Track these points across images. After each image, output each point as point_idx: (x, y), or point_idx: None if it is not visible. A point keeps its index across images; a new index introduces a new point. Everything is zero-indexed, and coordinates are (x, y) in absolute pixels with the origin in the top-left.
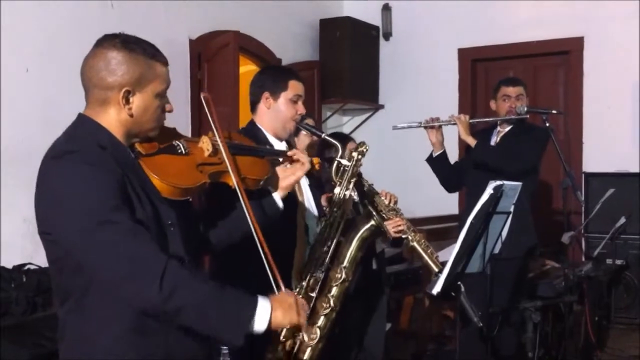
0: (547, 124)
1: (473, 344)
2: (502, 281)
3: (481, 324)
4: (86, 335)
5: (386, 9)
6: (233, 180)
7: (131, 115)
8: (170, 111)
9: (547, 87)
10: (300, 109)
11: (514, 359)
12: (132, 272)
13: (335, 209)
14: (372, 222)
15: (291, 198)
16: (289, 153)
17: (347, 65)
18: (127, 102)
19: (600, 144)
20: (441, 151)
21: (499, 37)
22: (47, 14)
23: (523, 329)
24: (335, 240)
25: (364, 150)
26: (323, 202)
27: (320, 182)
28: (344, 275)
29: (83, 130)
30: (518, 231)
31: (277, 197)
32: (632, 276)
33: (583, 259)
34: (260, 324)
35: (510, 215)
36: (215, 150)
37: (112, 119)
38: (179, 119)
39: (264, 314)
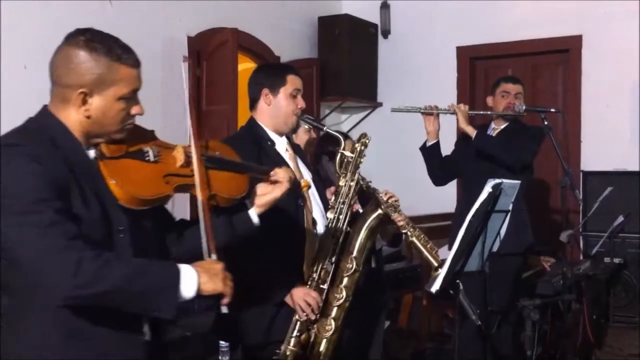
0: (546, 123)
1: (472, 342)
2: (501, 279)
3: (480, 322)
4: (19, 333)
5: (385, 6)
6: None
7: (88, 117)
8: (139, 114)
9: (545, 85)
10: (301, 102)
11: (513, 357)
12: (47, 264)
13: (341, 201)
14: (380, 211)
15: (296, 193)
16: (271, 173)
17: (345, 63)
18: (84, 103)
19: (599, 143)
20: (435, 141)
21: (498, 36)
22: (45, 11)
23: (522, 327)
24: (343, 231)
25: (367, 141)
26: (328, 195)
27: (319, 178)
28: (354, 265)
29: (40, 124)
30: (514, 229)
31: (253, 213)
32: (630, 275)
33: (581, 257)
34: (187, 290)
35: (509, 214)
36: (189, 162)
37: (72, 118)
38: (177, 117)
39: (189, 280)
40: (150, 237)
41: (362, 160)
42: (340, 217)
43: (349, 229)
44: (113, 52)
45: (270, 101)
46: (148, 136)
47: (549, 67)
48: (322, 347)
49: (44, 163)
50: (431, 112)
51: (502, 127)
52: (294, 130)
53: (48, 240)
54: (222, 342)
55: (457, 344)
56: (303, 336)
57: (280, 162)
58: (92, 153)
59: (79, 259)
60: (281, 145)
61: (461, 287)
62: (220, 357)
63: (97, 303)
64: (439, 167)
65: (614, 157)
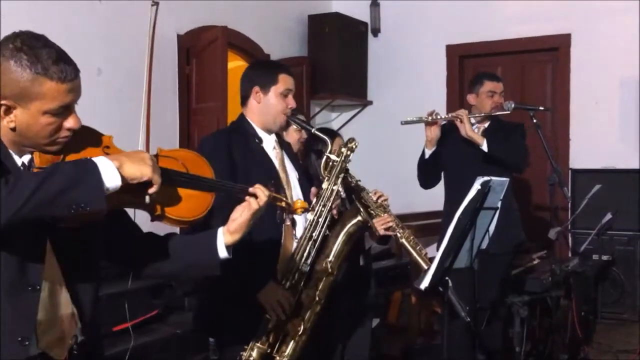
0: (535, 121)
1: (460, 339)
2: (490, 276)
3: (469, 319)
4: None
5: (374, 4)
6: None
7: (13, 129)
8: (73, 128)
9: (534, 83)
10: (291, 102)
11: (501, 354)
12: None
13: (322, 204)
14: (359, 218)
15: (278, 192)
16: (250, 190)
17: (335, 61)
18: (7, 114)
19: (587, 141)
20: (434, 149)
21: (487, 34)
22: (34, 11)
23: (510, 323)
24: (321, 235)
25: (353, 146)
26: (312, 197)
27: (309, 176)
28: (329, 269)
29: None
30: (505, 227)
31: (221, 244)
32: (618, 272)
33: (570, 254)
34: (111, 179)
35: (498, 211)
36: None
37: (2, 126)
38: (167, 116)
39: (108, 167)
40: (85, 248)
41: (346, 165)
42: (320, 219)
43: (327, 232)
44: (38, 65)
45: (261, 99)
46: (94, 143)
47: (538, 65)
48: (289, 348)
49: None
50: (435, 121)
51: (486, 125)
52: (284, 128)
53: None
54: (210, 340)
55: (446, 340)
56: (272, 335)
57: (266, 160)
58: (26, 159)
59: None
60: (269, 144)
61: (450, 284)
62: (210, 355)
63: (27, 220)
64: (435, 172)
65: (602, 154)
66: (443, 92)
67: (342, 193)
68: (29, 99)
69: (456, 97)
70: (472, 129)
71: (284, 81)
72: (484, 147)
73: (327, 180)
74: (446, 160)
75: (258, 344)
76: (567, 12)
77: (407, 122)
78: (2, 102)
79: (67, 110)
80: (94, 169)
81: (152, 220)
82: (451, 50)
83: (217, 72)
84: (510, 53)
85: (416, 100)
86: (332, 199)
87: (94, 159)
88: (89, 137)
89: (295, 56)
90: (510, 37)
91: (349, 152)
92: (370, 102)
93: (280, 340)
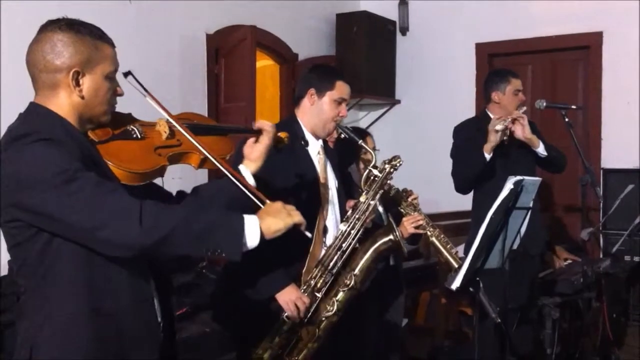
0: (566, 120)
1: (491, 340)
2: (521, 277)
3: (499, 320)
4: (43, 314)
5: (403, 3)
6: (198, 159)
7: (82, 97)
8: (120, 94)
9: (565, 82)
10: (343, 111)
11: (532, 356)
12: (106, 217)
13: (357, 217)
14: (391, 237)
15: (315, 197)
16: (258, 124)
17: (363, 60)
18: (77, 83)
19: (619, 140)
20: (491, 154)
21: (517, 32)
22: (64, 11)
23: (541, 325)
24: (351, 246)
25: (397, 164)
26: (348, 208)
27: (348, 185)
28: (352, 283)
29: (35, 115)
30: (530, 228)
31: (248, 175)
32: None
33: (601, 255)
34: (252, 237)
35: (530, 211)
36: (173, 133)
37: (64, 103)
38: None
39: (253, 226)
40: None
41: (388, 181)
42: (352, 231)
43: (357, 245)
44: (94, 32)
45: (314, 102)
46: (128, 118)
47: (569, 64)
48: (301, 354)
49: (63, 144)
50: (507, 126)
51: None
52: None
53: (103, 197)
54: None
55: (476, 341)
56: (285, 337)
57: (308, 164)
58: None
59: (141, 205)
60: (314, 148)
61: (481, 284)
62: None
63: (160, 249)
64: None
65: (634, 154)
66: (472, 91)
67: (380, 208)
68: (95, 63)
69: None
70: (530, 132)
71: (340, 89)
72: (541, 150)
73: (366, 194)
74: None
75: (270, 344)
76: (598, 10)
77: (497, 130)
78: (74, 69)
79: (115, 76)
80: (239, 224)
81: (218, 159)
82: (480, 48)
83: (246, 71)
84: (540, 51)
85: (445, 99)
86: (367, 213)
87: (246, 216)
88: (119, 114)
89: (323, 55)
90: (541, 35)
91: (392, 170)
92: (398, 101)
93: (293, 343)
